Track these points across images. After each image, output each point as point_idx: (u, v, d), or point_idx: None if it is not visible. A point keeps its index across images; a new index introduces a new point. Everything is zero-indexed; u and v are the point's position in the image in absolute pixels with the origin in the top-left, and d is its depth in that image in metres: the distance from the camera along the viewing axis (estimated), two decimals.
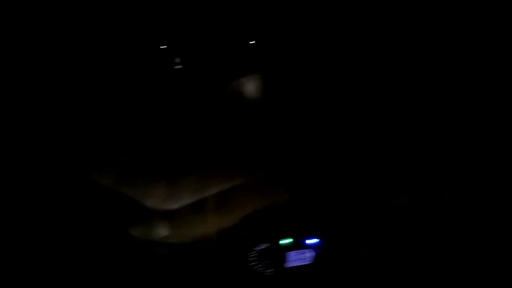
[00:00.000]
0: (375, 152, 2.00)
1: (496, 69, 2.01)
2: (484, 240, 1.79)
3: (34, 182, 1.78)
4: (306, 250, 1.83)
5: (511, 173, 1.90)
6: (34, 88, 1.92)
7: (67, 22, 1.97)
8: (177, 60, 2.08)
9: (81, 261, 1.70)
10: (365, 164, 1.98)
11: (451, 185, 1.93)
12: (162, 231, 1.78)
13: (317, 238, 1.84)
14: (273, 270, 1.79)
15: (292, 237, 1.83)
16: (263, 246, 1.81)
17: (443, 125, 2.02)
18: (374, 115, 2.05)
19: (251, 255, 1.79)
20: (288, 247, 1.82)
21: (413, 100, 2.06)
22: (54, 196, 1.78)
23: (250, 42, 2.11)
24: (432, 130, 2.03)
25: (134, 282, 1.71)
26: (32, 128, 1.87)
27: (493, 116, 2.00)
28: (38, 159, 1.82)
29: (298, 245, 1.83)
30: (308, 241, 1.84)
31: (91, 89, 1.98)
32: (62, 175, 1.81)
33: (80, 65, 1.99)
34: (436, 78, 2.07)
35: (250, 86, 2.10)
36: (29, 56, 1.92)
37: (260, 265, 1.78)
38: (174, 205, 1.80)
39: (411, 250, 1.83)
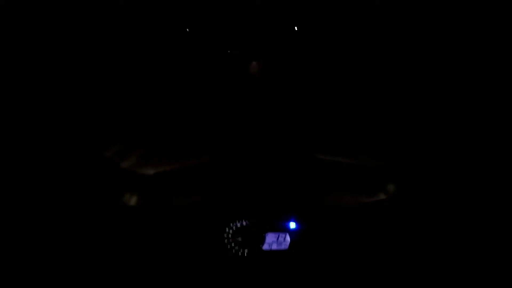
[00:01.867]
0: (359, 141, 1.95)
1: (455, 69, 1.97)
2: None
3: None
4: (285, 234, 1.78)
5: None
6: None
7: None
8: None
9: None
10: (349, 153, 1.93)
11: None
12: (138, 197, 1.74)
13: (297, 223, 1.80)
14: (247, 250, 1.74)
15: (271, 218, 1.78)
16: (240, 224, 1.74)
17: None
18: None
19: (227, 232, 1.71)
20: (267, 228, 1.76)
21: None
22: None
23: None
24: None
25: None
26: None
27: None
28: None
29: (279, 228, 1.78)
30: (289, 224, 1.79)
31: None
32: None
33: None
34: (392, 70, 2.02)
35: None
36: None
37: (234, 244, 1.71)
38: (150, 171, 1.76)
39: (391, 240, 1.80)
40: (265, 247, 1.73)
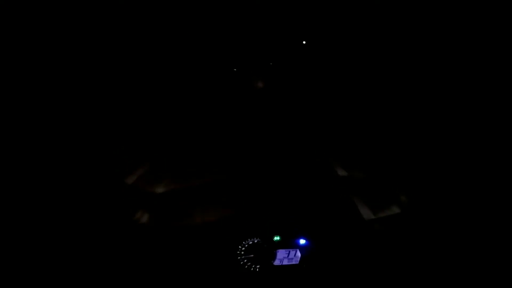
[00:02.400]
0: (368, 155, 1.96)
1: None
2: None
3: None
4: (295, 250, 1.85)
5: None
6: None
7: None
8: None
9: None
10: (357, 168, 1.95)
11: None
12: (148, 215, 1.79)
13: (307, 239, 1.86)
14: (259, 266, 1.82)
15: (282, 235, 1.85)
16: (252, 241, 1.82)
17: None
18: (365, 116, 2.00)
19: (239, 249, 1.79)
20: (278, 245, 1.84)
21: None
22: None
23: None
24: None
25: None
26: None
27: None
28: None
29: (288, 244, 1.85)
30: (299, 241, 1.85)
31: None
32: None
33: None
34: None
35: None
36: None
37: (247, 260, 1.79)
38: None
39: (401, 254, 1.86)
40: (276, 262, 1.81)
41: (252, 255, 1.81)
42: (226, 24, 1.92)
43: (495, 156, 1.90)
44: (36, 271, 1.59)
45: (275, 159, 1.91)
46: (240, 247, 1.81)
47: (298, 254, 1.83)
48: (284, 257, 1.82)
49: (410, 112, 1.96)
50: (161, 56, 1.94)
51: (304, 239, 1.84)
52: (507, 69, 1.93)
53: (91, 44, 1.90)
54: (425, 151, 1.95)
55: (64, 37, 1.86)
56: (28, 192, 1.65)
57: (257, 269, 1.80)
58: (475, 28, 1.92)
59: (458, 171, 1.90)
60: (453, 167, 1.92)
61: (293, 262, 1.83)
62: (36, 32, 1.81)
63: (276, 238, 1.83)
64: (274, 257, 1.81)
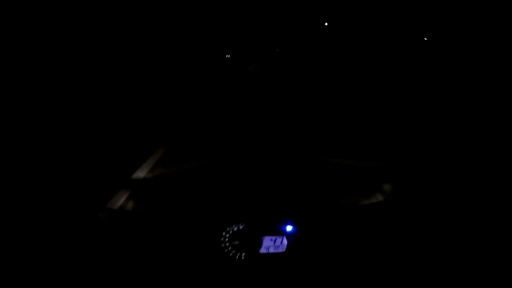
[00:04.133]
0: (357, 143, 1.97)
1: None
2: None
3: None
4: (282, 237, 1.77)
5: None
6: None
7: None
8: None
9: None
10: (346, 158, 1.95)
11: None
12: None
13: (294, 226, 1.80)
14: (244, 253, 1.74)
15: (268, 222, 1.79)
16: (237, 227, 1.75)
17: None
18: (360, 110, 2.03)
19: (224, 235, 1.72)
20: (264, 232, 1.77)
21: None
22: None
23: None
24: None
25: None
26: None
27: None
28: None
29: (275, 231, 1.79)
30: (285, 228, 1.79)
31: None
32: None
33: None
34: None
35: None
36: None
37: (231, 247, 1.72)
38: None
39: (388, 241, 1.80)
40: (262, 250, 1.74)
41: (237, 242, 1.74)
42: (227, 24, 1.99)
43: (485, 149, 1.91)
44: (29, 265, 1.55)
45: (261, 144, 1.90)
46: (224, 233, 1.75)
47: (285, 241, 1.76)
48: (270, 245, 1.75)
49: (402, 106, 2.00)
50: (160, 54, 1.99)
51: (291, 225, 1.78)
52: (499, 68, 1.99)
53: (92, 45, 1.96)
54: (414, 142, 1.96)
55: (64, 37, 1.93)
56: (26, 187, 1.64)
57: (242, 257, 1.72)
58: (475, 28, 2.01)
59: (449, 165, 1.90)
60: (443, 161, 1.92)
61: (280, 250, 1.75)
62: (36, 32, 1.87)
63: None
64: (260, 244, 1.74)
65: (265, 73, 2.00)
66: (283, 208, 1.84)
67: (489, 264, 1.69)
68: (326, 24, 2.03)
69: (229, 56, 2.01)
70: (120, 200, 1.76)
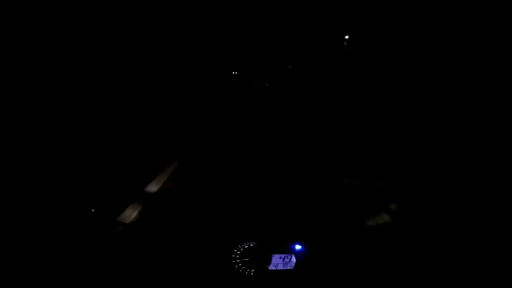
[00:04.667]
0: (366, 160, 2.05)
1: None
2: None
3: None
4: (290, 255, 1.84)
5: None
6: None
7: None
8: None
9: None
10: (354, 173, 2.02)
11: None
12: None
13: (303, 245, 1.87)
14: (254, 270, 1.82)
15: (279, 241, 1.87)
16: (247, 245, 1.86)
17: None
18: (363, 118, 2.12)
19: (235, 252, 1.82)
20: (273, 250, 1.85)
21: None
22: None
23: None
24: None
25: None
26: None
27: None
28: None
29: (284, 249, 1.86)
30: (294, 246, 1.86)
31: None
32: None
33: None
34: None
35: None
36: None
37: (242, 263, 1.81)
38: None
39: (395, 261, 1.81)
40: (271, 267, 1.81)
41: (247, 259, 1.82)
42: (229, 26, 2.17)
43: (493, 170, 1.95)
44: (32, 268, 1.64)
45: (272, 164, 2.02)
46: (235, 250, 1.84)
47: (293, 259, 1.83)
48: (279, 262, 1.82)
49: (404, 115, 2.07)
50: (161, 57, 2.15)
51: (299, 244, 1.86)
52: (494, 68, 2.06)
53: (92, 45, 2.12)
54: (419, 155, 2.02)
55: (66, 37, 2.07)
56: (28, 189, 1.75)
57: (252, 273, 1.80)
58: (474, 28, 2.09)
59: (455, 184, 1.93)
60: (447, 172, 1.96)
61: (288, 267, 1.82)
62: (36, 32, 2.01)
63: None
64: (269, 261, 1.82)
65: (271, 88, 2.18)
66: (292, 227, 1.93)
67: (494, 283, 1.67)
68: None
69: (236, 72, 2.22)
70: (132, 214, 1.89)
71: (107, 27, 2.17)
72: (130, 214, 1.91)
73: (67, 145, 1.96)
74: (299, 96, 2.20)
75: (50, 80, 2.03)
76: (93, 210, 1.82)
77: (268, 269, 1.80)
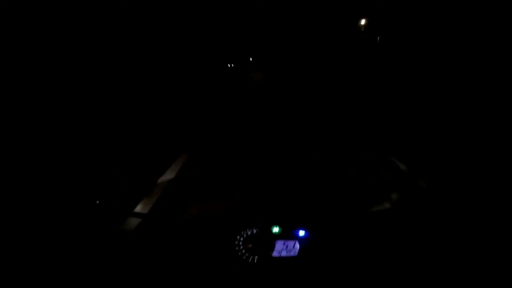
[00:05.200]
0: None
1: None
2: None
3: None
4: (294, 242, 1.82)
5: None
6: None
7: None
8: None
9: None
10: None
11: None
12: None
13: (306, 231, 1.84)
14: (257, 257, 1.80)
15: (281, 227, 1.84)
16: (250, 232, 1.84)
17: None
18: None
19: (238, 239, 1.81)
20: (276, 236, 1.83)
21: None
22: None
23: None
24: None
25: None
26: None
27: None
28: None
29: (287, 235, 1.84)
30: (298, 232, 1.84)
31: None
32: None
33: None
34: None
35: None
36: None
37: (245, 250, 1.80)
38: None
39: (397, 247, 1.79)
40: (275, 254, 1.79)
41: (250, 245, 1.80)
42: (229, 25, 2.12)
43: (494, 161, 1.90)
44: (36, 267, 1.65)
45: (275, 151, 1.98)
46: (238, 237, 1.82)
47: (297, 245, 1.80)
48: (283, 249, 1.80)
49: (406, 109, 2.03)
50: (162, 57, 2.12)
51: (303, 230, 1.83)
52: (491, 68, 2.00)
53: (93, 46, 2.09)
54: (421, 148, 1.97)
55: (70, 38, 2.04)
56: (30, 190, 1.75)
57: (255, 260, 1.78)
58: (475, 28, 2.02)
59: (456, 174, 1.89)
60: (451, 170, 1.92)
61: (292, 254, 1.79)
62: (36, 32, 1.97)
63: (275, 229, 1.83)
64: (272, 248, 1.80)
65: (271, 81, 2.13)
66: (296, 213, 1.89)
67: (494, 269, 1.64)
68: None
69: (232, 65, 2.17)
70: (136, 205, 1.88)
71: (112, 27, 2.11)
72: (134, 206, 1.89)
73: (74, 144, 1.95)
74: (300, 91, 2.15)
75: (69, 81, 2.00)
76: (97, 202, 1.81)
77: (272, 256, 1.78)
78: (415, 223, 1.81)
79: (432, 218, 1.80)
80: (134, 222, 1.88)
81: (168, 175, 1.96)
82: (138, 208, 1.89)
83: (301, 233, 1.83)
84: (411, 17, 2.16)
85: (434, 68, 2.09)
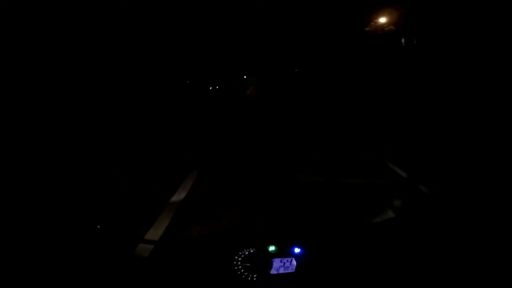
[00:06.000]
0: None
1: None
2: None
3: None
4: (291, 259, 1.88)
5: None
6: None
7: None
8: None
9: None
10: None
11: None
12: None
13: (301, 248, 1.91)
14: (256, 275, 1.84)
15: (277, 245, 1.91)
16: (248, 251, 1.90)
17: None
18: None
19: (236, 259, 1.85)
20: (273, 254, 1.88)
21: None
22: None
23: None
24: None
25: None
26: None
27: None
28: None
29: (283, 253, 1.90)
30: (294, 250, 1.90)
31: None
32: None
33: None
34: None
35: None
36: None
37: (244, 269, 1.83)
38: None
39: (396, 262, 1.86)
40: (273, 271, 1.84)
41: (248, 264, 1.86)
42: (232, 28, 2.28)
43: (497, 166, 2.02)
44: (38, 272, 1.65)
45: (269, 170, 2.08)
46: (236, 257, 1.87)
47: (294, 262, 1.86)
48: (280, 266, 1.86)
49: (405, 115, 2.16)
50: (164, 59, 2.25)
51: (298, 247, 1.90)
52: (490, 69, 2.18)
53: (94, 46, 2.23)
54: (423, 158, 2.09)
55: (76, 39, 2.16)
56: (31, 193, 1.77)
57: (254, 278, 1.83)
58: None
59: (458, 180, 2.00)
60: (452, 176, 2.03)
61: (289, 271, 1.85)
62: (36, 32, 2.07)
63: (271, 248, 1.90)
64: (270, 266, 1.85)
65: (267, 93, 2.29)
66: (291, 232, 1.97)
67: (495, 273, 1.72)
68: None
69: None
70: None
71: (129, 34, 2.25)
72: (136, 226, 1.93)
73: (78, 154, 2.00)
74: (298, 100, 2.31)
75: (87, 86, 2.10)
76: (98, 227, 1.84)
77: (270, 274, 1.84)
78: (415, 235, 1.89)
79: (434, 229, 1.89)
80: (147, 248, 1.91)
81: (180, 194, 2.03)
82: (151, 233, 1.93)
83: (297, 250, 1.90)
84: (413, 19, 2.35)
85: (436, 73, 2.26)
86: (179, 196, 2.04)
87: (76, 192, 1.98)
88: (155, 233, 1.92)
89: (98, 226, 1.86)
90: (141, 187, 2.04)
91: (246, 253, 1.89)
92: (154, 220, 1.95)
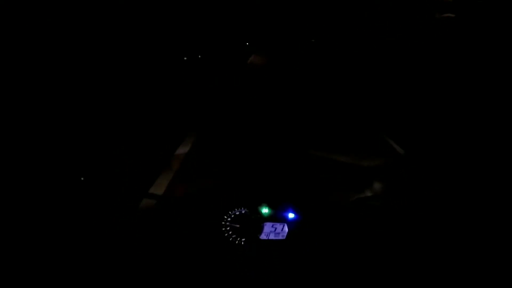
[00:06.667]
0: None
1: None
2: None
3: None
4: (283, 224, 1.76)
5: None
6: None
7: None
8: None
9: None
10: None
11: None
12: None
13: (296, 213, 1.79)
14: (245, 239, 1.74)
15: (271, 208, 1.78)
16: (239, 211, 1.75)
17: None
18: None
19: (225, 219, 1.71)
20: (265, 218, 1.76)
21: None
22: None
23: None
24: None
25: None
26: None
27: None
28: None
29: (276, 218, 1.78)
30: (287, 214, 1.78)
31: None
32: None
33: None
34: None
35: None
36: None
37: (232, 231, 1.71)
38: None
39: (386, 232, 1.80)
40: (263, 236, 1.72)
41: (238, 226, 1.72)
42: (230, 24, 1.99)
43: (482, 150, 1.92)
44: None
45: (266, 133, 1.91)
46: (226, 217, 1.73)
47: (286, 229, 1.75)
48: (271, 231, 1.74)
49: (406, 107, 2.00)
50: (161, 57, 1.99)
51: (293, 213, 1.77)
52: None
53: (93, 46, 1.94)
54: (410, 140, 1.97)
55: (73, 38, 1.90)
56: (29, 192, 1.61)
57: (242, 242, 1.71)
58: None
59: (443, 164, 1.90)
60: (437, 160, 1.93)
61: (280, 238, 1.74)
62: (36, 32, 1.83)
63: (265, 210, 1.76)
64: (260, 230, 1.73)
65: (266, 64, 2.00)
66: (286, 195, 1.83)
67: (487, 263, 1.70)
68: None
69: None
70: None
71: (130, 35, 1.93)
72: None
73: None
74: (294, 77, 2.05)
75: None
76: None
77: (259, 239, 1.72)
78: (410, 209, 1.81)
79: (422, 205, 1.81)
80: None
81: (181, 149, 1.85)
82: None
83: (291, 215, 1.77)
84: (412, 19, 2.10)
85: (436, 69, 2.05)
86: (180, 151, 1.83)
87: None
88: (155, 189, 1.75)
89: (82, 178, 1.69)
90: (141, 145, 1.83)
91: (237, 213, 1.75)
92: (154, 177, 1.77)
